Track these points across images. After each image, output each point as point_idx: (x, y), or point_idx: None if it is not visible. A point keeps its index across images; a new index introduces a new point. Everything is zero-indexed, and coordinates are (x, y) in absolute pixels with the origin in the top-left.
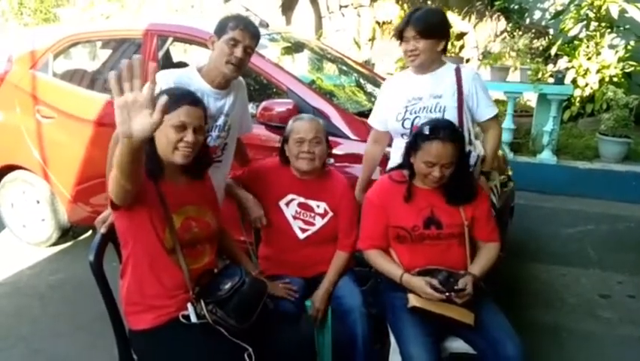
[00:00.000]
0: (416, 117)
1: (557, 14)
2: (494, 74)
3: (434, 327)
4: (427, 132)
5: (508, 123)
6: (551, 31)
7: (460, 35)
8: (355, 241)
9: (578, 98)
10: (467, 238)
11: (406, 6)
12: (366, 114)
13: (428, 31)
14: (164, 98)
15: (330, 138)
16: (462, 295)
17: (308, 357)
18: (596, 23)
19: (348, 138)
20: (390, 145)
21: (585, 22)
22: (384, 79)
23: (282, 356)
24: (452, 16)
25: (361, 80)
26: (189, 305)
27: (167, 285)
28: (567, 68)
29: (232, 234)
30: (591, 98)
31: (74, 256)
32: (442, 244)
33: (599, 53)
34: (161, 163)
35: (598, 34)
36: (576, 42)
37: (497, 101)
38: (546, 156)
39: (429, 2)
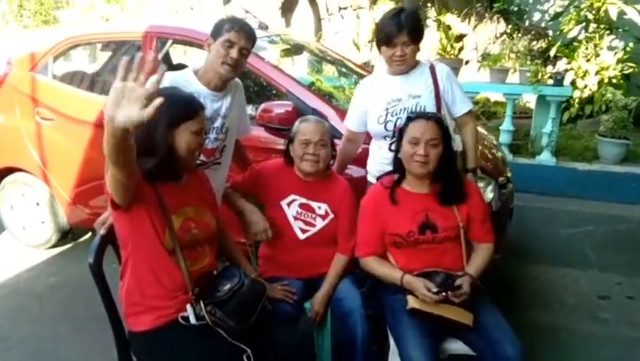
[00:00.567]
0: (398, 118)
1: (556, 16)
2: (494, 75)
3: (433, 329)
4: (413, 116)
5: (507, 125)
6: (550, 32)
7: (460, 37)
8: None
9: (577, 100)
10: (463, 239)
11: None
12: None
13: (418, 35)
14: (160, 99)
15: None
16: (459, 295)
17: (307, 359)
18: (595, 25)
19: None
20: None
21: (584, 23)
22: None
23: (280, 357)
24: (452, 18)
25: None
26: (188, 306)
27: (167, 286)
28: (566, 70)
29: (231, 235)
30: (590, 100)
31: (74, 258)
32: (438, 247)
33: (598, 55)
34: (177, 169)
35: (597, 35)
36: (575, 44)
37: (497, 103)
38: (545, 158)
39: (428, 4)
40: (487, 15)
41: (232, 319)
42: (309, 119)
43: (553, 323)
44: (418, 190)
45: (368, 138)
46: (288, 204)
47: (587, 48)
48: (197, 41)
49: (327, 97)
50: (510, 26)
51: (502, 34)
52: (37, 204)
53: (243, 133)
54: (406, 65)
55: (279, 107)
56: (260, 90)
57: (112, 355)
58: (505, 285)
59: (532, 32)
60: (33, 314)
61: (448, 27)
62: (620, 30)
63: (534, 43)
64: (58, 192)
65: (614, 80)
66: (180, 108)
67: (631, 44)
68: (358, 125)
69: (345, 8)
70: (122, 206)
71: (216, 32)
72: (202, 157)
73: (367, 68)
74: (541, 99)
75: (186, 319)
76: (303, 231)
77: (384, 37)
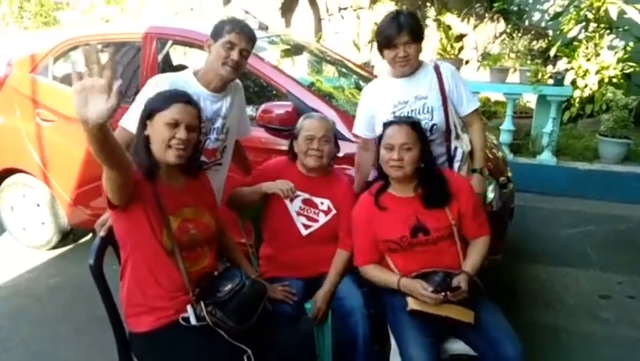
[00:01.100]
0: None
1: (556, 16)
2: (494, 75)
3: (434, 328)
4: (387, 122)
5: (507, 125)
6: (550, 32)
7: (460, 37)
8: None
9: (577, 100)
10: (457, 236)
11: (404, 8)
12: None
13: (419, 35)
14: (118, 82)
15: None
16: (457, 294)
17: (307, 359)
18: (595, 24)
19: (347, 140)
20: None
21: (584, 23)
22: None
23: (281, 358)
24: (452, 18)
25: (361, 83)
26: (189, 307)
27: (166, 286)
28: (566, 70)
29: (232, 236)
30: (591, 99)
31: (74, 259)
32: (433, 248)
33: (598, 54)
34: (156, 163)
35: (597, 35)
36: (575, 43)
37: (497, 103)
38: (546, 157)
39: (428, 4)
40: (487, 15)
41: (233, 319)
42: (314, 116)
43: (553, 322)
44: (404, 194)
45: None
46: (291, 200)
47: (587, 48)
48: (197, 42)
49: (327, 97)
50: (510, 26)
51: (502, 34)
52: (38, 206)
53: (243, 134)
54: (410, 66)
55: (279, 108)
56: (260, 91)
57: (112, 356)
58: (506, 285)
59: (532, 32)
60: (33, 316)
61: (448, 27)
62: (621, 29)
63: (534, 42)
64: (58, 193)
65: (614, 80)
66: (154, 99)
67: (631, 44)
68: (367, 131)
69: (345, 9)
70: (118, 205)
71: (217, 33)
72: (203, 158)
73: (367, 68)
74: (542, 99)
75: (187, 320)
76: (306, 227)
77: (384, 39)
